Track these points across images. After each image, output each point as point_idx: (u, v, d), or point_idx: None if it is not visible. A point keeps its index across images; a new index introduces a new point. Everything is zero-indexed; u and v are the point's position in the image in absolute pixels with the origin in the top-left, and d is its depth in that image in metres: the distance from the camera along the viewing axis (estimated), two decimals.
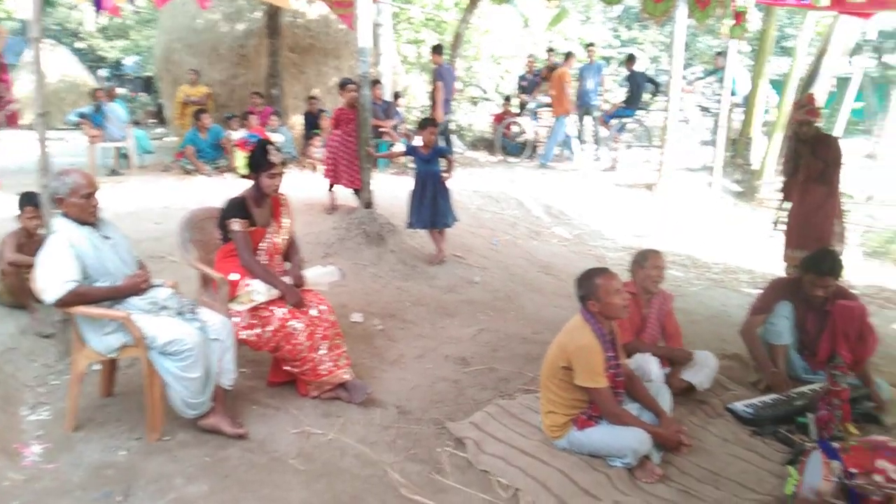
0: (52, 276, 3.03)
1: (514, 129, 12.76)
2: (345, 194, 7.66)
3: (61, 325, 3.95)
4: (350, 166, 7.33)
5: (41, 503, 2.76)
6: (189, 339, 3.12)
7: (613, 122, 11.65)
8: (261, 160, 3.67)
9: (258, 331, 3.56)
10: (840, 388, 3.37)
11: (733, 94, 10.77)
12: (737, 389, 4.06)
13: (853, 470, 2.41)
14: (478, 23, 15.79)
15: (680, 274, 7.15)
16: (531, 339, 4.79)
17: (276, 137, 9.33)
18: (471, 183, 9.66)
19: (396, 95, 11.74)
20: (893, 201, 10.46)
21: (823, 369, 3.83)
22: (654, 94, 12.37)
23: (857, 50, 15.77)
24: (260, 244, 3.77)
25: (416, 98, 15.70)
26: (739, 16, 7.53)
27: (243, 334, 3.54)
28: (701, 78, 13.15)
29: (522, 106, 13.03)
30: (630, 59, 11.73)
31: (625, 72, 12.44)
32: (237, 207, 3.70)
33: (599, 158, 11.85)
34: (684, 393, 3.80)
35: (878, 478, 2.38)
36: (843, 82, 16.65)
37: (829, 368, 3.45)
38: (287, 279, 3.73)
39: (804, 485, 2.62)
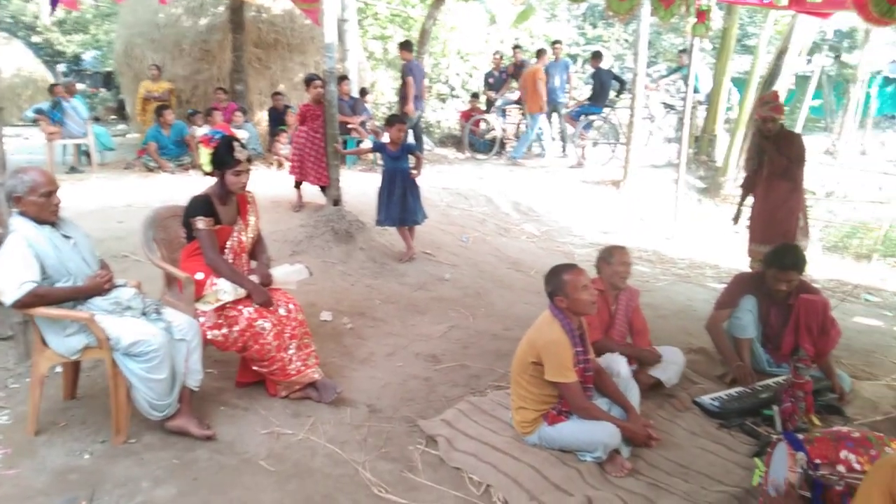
0: (9, 277, 2.93)
1: (483, 126, 12.79)
2: (312, 191, 7.59)
3: (21, 327, 3.84)
4: (317, 163, 7.27)
5: None
6: (154, 340, 3.05)
7: (581, 119, 11.75)
8: (226, 157, 3.60)
9: (225, 331, 3.50)
10: (803, 381, 3.44)
11: (696, 91, 10.93)
12: (703, 383, 4.12)
13: (818, 461, 2.46)
14: (444, 19, 15.77)
15: (646, 269, 7.24)
16: (501, 336, 4.81)
17: (241, 134, 9.20)
18: (440, 180, 9.66)
19: (363, 92, 11.68)
20: (852, 197, 10.71)
21: (787, 362, 3.91)
22: (619, 93, 12.49)
23: (815, 49, 16.11)
24: (226, 243, 3.72)
25: (383, 94, 15.63)
26: (702, 14, 7.62)
27: (210, 334, 3.48)
28: (665, 76, 13.33)
29: (490, 103, 13.06)
30: (595, 57, 11.83)
31: (590, 69, 12.53)
32: (202, 205, 3.62)
33: (566, 155, 11.94)
34: (652, 388, 3.85)
35: (841, 468, 2.43)
36: (801, 80, 17.00)
37: (793, 361, 3.51)
38: (254, 278, 3.68)
39: (770, 476, 2.67)
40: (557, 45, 12.30)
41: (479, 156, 12.31)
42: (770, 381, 3.96)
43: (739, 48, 17.45)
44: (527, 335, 3.30)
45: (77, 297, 3.11)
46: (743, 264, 6.09)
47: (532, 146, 12.07)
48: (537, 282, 4.07)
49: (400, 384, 4.01)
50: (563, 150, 12.08)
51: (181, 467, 3.00)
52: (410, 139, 9.64)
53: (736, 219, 5.95)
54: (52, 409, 3.40)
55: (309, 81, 7.44)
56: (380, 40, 17.09)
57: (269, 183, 8.34)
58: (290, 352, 3.59)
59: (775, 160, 5.24)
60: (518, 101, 12.46)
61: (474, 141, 12.75)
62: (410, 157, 6.35)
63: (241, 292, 3.53)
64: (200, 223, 3.57)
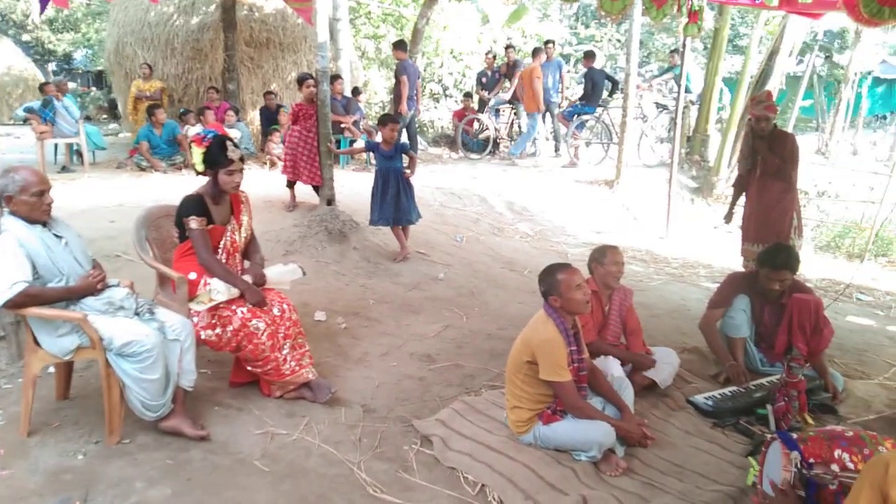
0: (0, 278, 2.92)
1: (476, 125, 12.79)
2: (305, 191, 7.58)
3: (13, 328, 3.81)
4: (310, 163, 7.26)
5: None
6: (147, 340, 3.04)
7: (574, 118, 11.76)
8: (218, 156, 3.57)
9: (219, 331, 3.49)
10: (797, 380, 3.45)
11: (688, 91, 10.95)
12: (697, 382, 4.13)
13: (812, 460, 2.47)
14: (437, 18, 15.76)
15: (640, 269, 7.25)
16: (496, 335, 4.81)
17: (233, 133, 9.18)
18: (433, 179, 9.66)
19: (356, 91, 11.66)
20: (844, 197, 10.77)
21: (781, 361, 3.93)
22: (612, 93, 12.51)
23: (806, 49, 16.17)
24: (219, 242, 3.70)
25: (376, 94, 15.62)
26: (694, 14, 7.63)
27: (203, 334, 3.46)
28: (657, 76, 13.34)
29: (483, 103, 13.06)
30: (588, 56, 11.83)
31: (583, 69, 12.55)
32: (195, 205, 3.60)
33: (559, 155, 11.95)
34: (647, 388, 3.85)
35: (835, 467, 2.43)
36: (792, 80, 17.07)
37: (787, 360, 3.52)
38: (247, 278, 3.66)
39: (765, 475, 2.67)
40: (550, 45, 12.31)
41: (473, 155, 12.32)
42: (764, 381, 3.98)
43: (731, 48, 17.54)
44: (521, 334, 3.30)
45: (69, 297, 3.08)
46: (736, 264, 6.11)
47: (525, 146, 12.08)
48: (531, 281, 4.07)
49: (394, 384, 4.00)
50: (556, 150, 12.10)
51: (175, 468, 2.98)
52: (404, 139, 9.63)
53: (728, 218, 5.97)
54: (44, 410, 3.38)
55: (301, 81, 7.42)
56: (372, 39, 17.08)
57: (262, 182, 8.32)
58: (285, 352, 3.57)
59: (768, 160, 5.26)
60: (511, 101, 12.47)
61: (468, 141, 12.76)
62: (404, 156, 6.34)
63: (235, 292, 3.51)
64: (193, 223, 3.55)
